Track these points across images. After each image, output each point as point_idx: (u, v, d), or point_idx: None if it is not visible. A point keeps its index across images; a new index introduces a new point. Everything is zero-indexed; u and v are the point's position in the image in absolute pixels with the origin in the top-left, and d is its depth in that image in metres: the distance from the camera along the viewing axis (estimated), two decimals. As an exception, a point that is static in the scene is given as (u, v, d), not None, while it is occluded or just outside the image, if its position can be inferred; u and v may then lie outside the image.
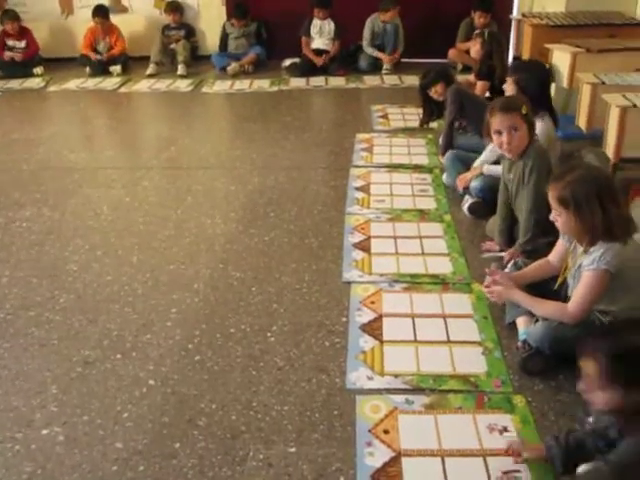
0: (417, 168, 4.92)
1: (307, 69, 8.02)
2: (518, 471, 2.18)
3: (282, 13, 8.36)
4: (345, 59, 8.22)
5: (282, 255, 3.70)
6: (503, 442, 2.30)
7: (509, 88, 4.19)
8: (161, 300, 3.30)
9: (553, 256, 2.87)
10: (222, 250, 3.79)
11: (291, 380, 2.68)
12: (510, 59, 7.11)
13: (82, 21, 8.57)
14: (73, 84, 7.88)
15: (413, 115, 6.11)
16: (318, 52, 8.15)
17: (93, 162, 5.37)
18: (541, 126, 3.85)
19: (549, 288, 2.81)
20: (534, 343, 2.66)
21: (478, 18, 7.58)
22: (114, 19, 8.52)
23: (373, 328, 2.99)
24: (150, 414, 2.52)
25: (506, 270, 3.07)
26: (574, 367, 2.54)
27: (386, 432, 2.38)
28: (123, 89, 7.69)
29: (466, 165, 4.38)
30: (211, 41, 8.77)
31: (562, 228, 2.64)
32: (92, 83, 7.92)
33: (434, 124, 5.40)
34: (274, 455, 2.31)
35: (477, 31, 6.51)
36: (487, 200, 3.97)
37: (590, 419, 2.21)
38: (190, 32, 8.64)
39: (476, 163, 4.24)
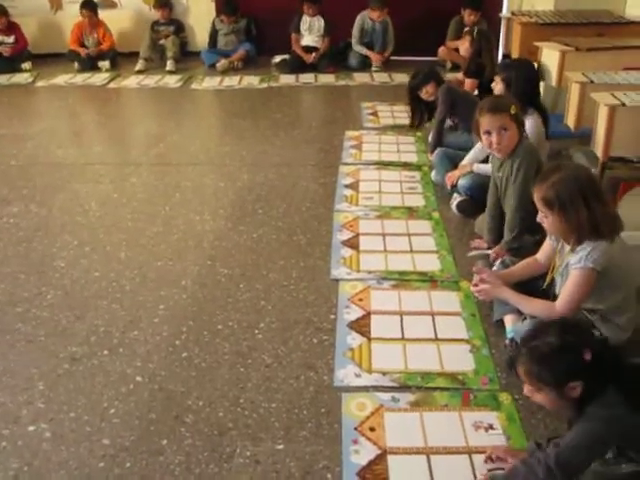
0: (406, 166, 4.93)
1: (297, 66, 8.02)
2: (502, 468, 2.19)
3: (272, 9, 8.36)
4: (335, 56, 8.23)
5: (270, 252, 3.70)
6: (489, 440, 2.31)
7: (497, 87, 4.20)
8: (149, 297, 3.29)
9: (540, 255, 2.88)
10: (210, 247, 3.78)
11: (279, 377, 2.68)
12: (500, 57, 7.12)
13: (71, 16, 8.54)
14: (61, 79, 7.85)
15: (402, 113, 6.11)
16: (308, 49, 8.15)
17: (81, 158, 5.34)
18: (530, 124, 3.86)
19: (537, 286, 2.81)
20: (521, 341, 2.67)
21: (468, 16, 7.59)
22: (103, 14, 8.50)
23: (361, 325, 2.99)
24: (137, 411, 2.52)
25: (494, 268, 3.08)
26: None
27: (372, 430, 2.38)
28: (112, 85, 7.67)
29: (454, 163, 4.39)
30: (200, 37, 8.77)
31: (549, 229, 2.65)
32: (81, 79, 7.90)
33: (427, 124, 5.40)
34: (261, 452, 2.31)
35: (466, 29, 6.52)
36: (475, 198, 3.98)
37: None
38: (179, 28, 8.63)
39: (464, 161, 4.25)
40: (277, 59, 8.25)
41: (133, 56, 8.28)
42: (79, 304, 3.24)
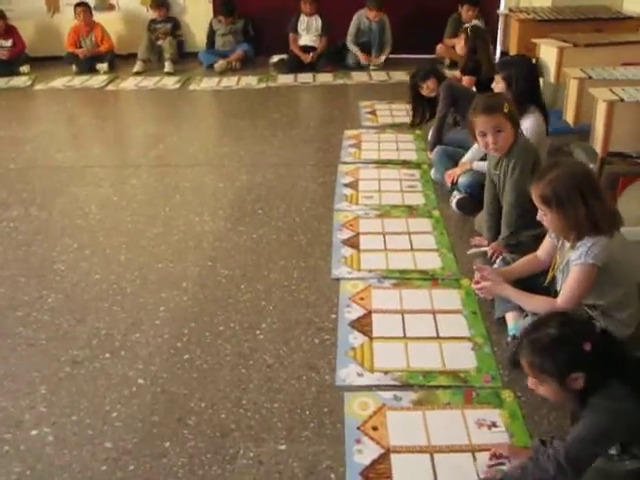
0: (405, 164, 4.92)
1: (295, 65, 8.02)
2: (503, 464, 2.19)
3: (269, 10, 8.36)
4: (333, 55, 8.22)
5: (271, 252, 3.70)
6: (492, 437, 2.31)
7: (498, 86, 4.18)
8: (150, 299, 3.29)
9: (541, 252, 2.88)
10: (211, 248, 3.78)
11: (281, 378, 2.68)
12: (497, 55, 7.12)
13: (68, 19, 8.54)
14: (59, 82, 7.84)
15: (401, 111, 6.11)
16: (305, 49, 8.15)
17: (80, 161, 5.34)
18: (532, 122, 3.86)
19: (538, 283, 2.81)
20: (523, 338, 2.66)
21: (466, 12, 7.59)
22: (101, 17, 8.51)
23: (362, 324, 2.99)
24: (139, 413, 2.52)
25: (495, 266, 3.07)
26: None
27: (375, 429, 2.38)
28: (110, 87, 7.67)
29: (454, 161, 4.39)
30: (198, 38, 8.76)
31: (549, 226, 2.64)
32: (79, 81, 7.89)
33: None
34: (264, 453, 2.30)
35: (462, 27, 6.51)
36: (475, 196, 3.97)
37: None
38: (176, 25, 8.64)
39: (464, 159, 4.25)
40: (275, 59, 8.24)
41: (131, 58, 8.29)
42: (80, 307, 3.23)
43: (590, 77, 3.87)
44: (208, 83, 7.69)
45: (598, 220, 2.48)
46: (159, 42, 8.35)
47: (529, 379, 2.06)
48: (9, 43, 8.23)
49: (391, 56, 8.16)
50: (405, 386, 2.59)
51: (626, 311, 2.59)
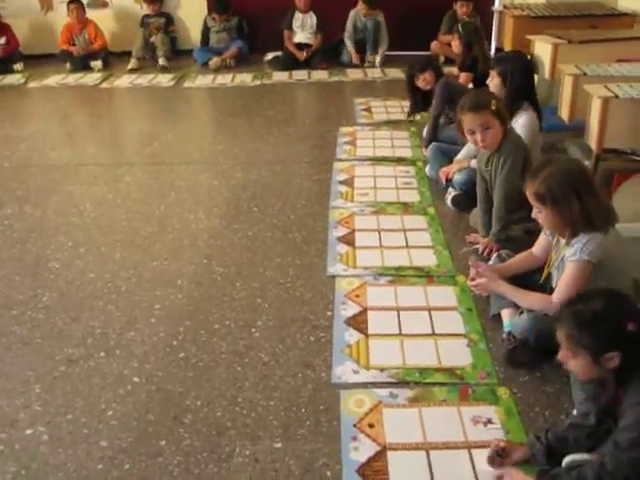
0: (400, 161, 4.92)
1: (289, 63, 8.01)
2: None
3: (264, 7, 8.35)
4: (328, 52, 8.21)
5: (266, 250, 3.69)
6: (488, 434, 2.31)
7: (493, 81, 4.18)
8: (145, 297, 3.28)
9: (536, 248, 2.88)
10: (206, 246, 3.77)
11: (276, 375, 2.68)
12: (492, 51, 7.13)
13: (62, 17, 8.53)
14: (53, 80, 7.82)
15: (396, 108, 6.11)
16: (300, 46, 8.13)
17: (75, 159, 5.33)
18: (525, 119, 3.87)
19: (533, 280, 2.81)
20: (519, 335, 2.67)
21: (460, 8, 7.60)
22: (94, 14, 8.51)
23: (358, 322, 2.99)
24: (135, 412, 2.51)
25: (490, 262, 3.07)
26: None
27: (371, 426, 2.38)
28: (104, 85, 7.65)
29: (448, 158, 4.40)
30: (192, 35, 8.75)
31: (544, 223, 2.65)
32: (73, 79, 7.87)
33: (418, 117, 5.40)
34: (260, 451, 2.30)
35: (455, 26, 6.50)
36: (470, 193, 3.96)
37: (574, 412, 2.23)
38: (169, 20, 8.63)
39: (458, 156, 4.25)
40: (269, 56, 8.23)
41: (125, 56, 8.27)
42: (75, 305, 3.23)
43: (585, 74, 3.87)
44: (203, 80, 7.67)
45: (593, 217, 2.48)
46: (152, 38, 8.33)
47: (561, 351, 2.03)
48: (2, 41, 8.22)
49: (386, 53, 8.14)
50: (401, 383, 2.59)
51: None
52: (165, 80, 7.71)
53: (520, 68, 4.17)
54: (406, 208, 4.13)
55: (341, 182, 4.55)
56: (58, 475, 2.23)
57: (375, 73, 7.77)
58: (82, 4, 8.32)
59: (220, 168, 4.96)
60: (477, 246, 3.51)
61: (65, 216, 4.22)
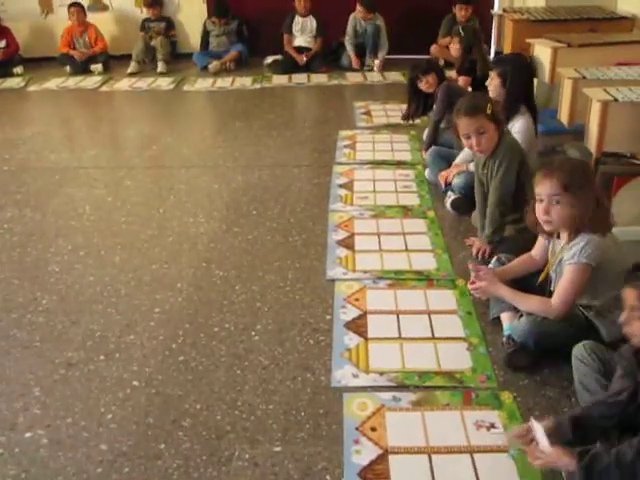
0: (400, 164, 4.92)
1: (289, 66, 8.01)
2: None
3: (263, 10, 8.36)
4: (327, 56, 8.22)
5: (266, 253, 3.69)
6: (490, 439, 2.30)
7: (493, 82, 4.18)
8: (144, 300, 3.28)
9: (536, 251, 2.88)
10: (205, 249, 3.77)
11: (276, 379, 2.67)
12: (492, 55, 7.14)
13: (62, 20, 8.53)
14: (53, 83, 7.83)
15: (396, 111, 6.10)
16: (300, 49, 8.14)
17: (75, 162, 5.33)
18: (521, 125, 3.87)
19: (533, 283, 2.81)
20: (519, 338, 2.66)
21: (459, 11, 7.60)
22: (94, 18, 8.51)
23: (358, 325, 2.99)
24: (134, 415, 2.51)
25: (489, 266, 3.07)
26: (559, 361, 2.57)
27: (373, 430, 2.37)
28: (104, 88, 7.66)
29: (447, 161, 4.40)
30: (192, 39, 8.75)
31: (556, 217, 2.58)
32: (73, 82, 7.88)
33: (417, 120, 5.40)
34: (260, 455, 2.30)
35: (454, 29, 6.51)
36: (469, 196, 3.96)
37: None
38: (169, 25, 8.64)
39: (457, 160, 4.25)
40: (269, 60, 8.23)
41: (125, 59, 8.28)
42: (74, 309, 3.22)
43: (584, 77, 3.88)
44: (202, 84, 7.68)
45: (597, 216, 2.49)
46: (152, 42, 8.33)
47: (626, 313, 2.01)
48: (2, 44, 8.22)
49: (386, 57, 8.14)
50: (401, 387, 2.58)
51: (620, 311, 2.58)
52: (165, 83, 7.71)
53: (520, 70, 4.18)
54: (406, 211, 4.13)
55: (341, 185, 4.55)
56: (57, 478, 2.23)
57: (375, 77, 7.77)
58: (82, 7, 8.33)
59: (220, 171, 4.96)
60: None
61: (65, 219, 4.22)
